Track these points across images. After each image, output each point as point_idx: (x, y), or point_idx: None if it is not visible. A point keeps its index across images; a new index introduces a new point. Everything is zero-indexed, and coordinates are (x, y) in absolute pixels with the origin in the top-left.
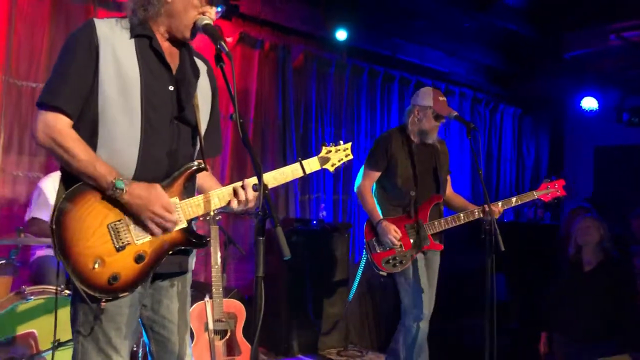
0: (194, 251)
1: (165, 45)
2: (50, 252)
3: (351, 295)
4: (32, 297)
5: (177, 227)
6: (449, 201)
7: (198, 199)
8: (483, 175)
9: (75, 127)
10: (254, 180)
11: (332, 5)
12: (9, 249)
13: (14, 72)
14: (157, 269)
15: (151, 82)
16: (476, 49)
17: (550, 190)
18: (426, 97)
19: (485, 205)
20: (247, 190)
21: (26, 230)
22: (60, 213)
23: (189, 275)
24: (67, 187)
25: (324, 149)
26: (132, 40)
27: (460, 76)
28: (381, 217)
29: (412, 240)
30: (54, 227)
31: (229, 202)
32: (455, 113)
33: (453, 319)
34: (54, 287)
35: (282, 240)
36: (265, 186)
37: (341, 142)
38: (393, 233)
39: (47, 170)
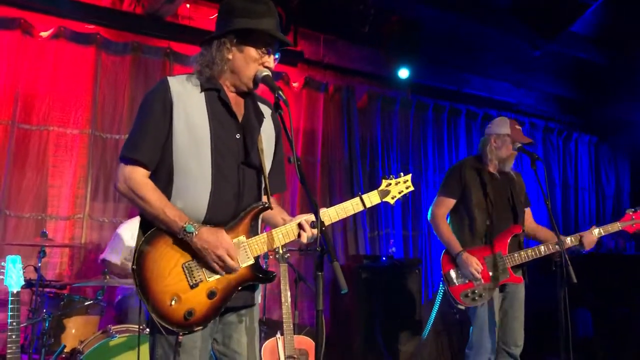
0: (259, 286)
1: (231, 96)
2: (132, 293)
3: (426, 332)
4: (116, 335)
5: (246, 264)
6: (534, 233)
7: (263, 236)
8: (551, 206)
9: (153, 176)
10: (312, 217)
11: (393, 45)
12: (96, 290)
13: (99, 125)
14: (227, 304)
15: (220, 132)
16: (545, 79)
17: (635, 222)
18: (503, 125)
19: (570, 237)
20: (306, 227)
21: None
22: (139, 255)
23: (256, 311)
24: (144, 232)
25: (384, 182)
26: (202, 94)
27: (530, 107)
28: (460, 248)
29: (491, 273)
30: (134, 267)
31: (298, 235)
32: (519, 145)
33: (533, 356)
34: (137, 326)
35: (340, 275)
36: (322, 223)
37: (401, 174)
38: (475, 266)
39: (130, 216)
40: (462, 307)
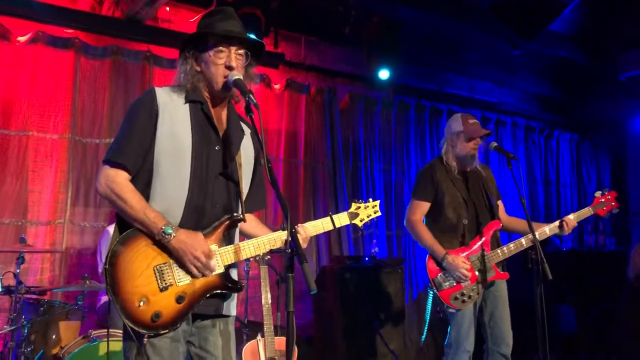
0: (234, 296)
1: (213, 110)
2: None
3: (423, 338)
4: (97, 340)
5: (215, 272)
6: (508, 226)
7: (235, 246)
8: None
9: (133, 179)
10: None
11: (375, 46)
12: (77, 295)
13: (79, 130)
14: (195, 309)
15: (201, 143)
16: (526, 78)
17: (606, 203)
18: (455, 123)
19: (547, 226)
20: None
21: (102, 281)
22: (113, 254)
23: (232, 317)
24: (121, 232)
25: (354, 205)
26: (187, 105)
27: (511, 106)
28: (444, 251)
29: (477, 272)
30: (107, 266)
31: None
32: (495, 144)
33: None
34: (119, 330)
35: (309, 277)
36: (293, 225)
37: (370, 199)
38: (462, 265)
39: (112, 220)
40: (453, 311)
